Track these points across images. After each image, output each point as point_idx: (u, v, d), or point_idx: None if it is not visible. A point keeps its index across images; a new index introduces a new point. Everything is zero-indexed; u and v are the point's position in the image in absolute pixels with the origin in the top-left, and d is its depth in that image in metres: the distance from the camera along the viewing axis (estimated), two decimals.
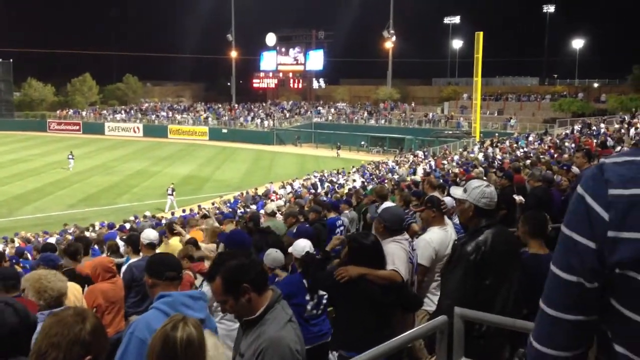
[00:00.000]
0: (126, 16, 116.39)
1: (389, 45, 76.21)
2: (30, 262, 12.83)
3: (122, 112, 74.02)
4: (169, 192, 32.08)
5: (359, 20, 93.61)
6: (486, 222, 3.92)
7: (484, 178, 13.65)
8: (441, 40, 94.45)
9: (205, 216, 14.63)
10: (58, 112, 74.08)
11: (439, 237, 5.26)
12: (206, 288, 4.74)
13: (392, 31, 74.91)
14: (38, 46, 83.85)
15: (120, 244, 9.65)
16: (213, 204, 29.11)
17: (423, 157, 41.48)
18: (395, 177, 27.60)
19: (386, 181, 25.17)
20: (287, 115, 71.05)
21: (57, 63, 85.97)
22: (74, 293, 5.26)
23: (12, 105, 74.35)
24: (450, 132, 57.29)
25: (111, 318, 5.95)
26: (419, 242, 5.29)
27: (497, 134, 47.28)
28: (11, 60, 73.49)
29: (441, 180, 14.00)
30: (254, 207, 24.93)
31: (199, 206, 27.64)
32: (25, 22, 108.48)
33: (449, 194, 6.80)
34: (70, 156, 43.23)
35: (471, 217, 3.99)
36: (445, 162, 34.33)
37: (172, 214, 27.82)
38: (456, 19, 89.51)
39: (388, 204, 5.11)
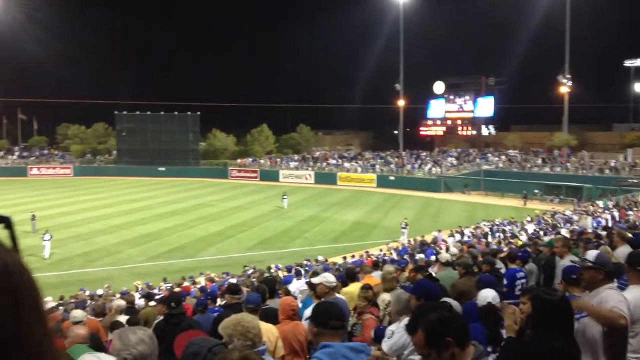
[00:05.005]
0: (300, 70, 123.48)
1: (564, 89, 72.59)
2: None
3: (296, 160, 77.84)
4: (403, 225, 35.72)
5: (531, 65, 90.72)
6: None
7: None
8: (622, 84, 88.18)
9: (376, 264, 14.75)
10: (238, 160, 79.83)
11: (637, 296, 4.82)
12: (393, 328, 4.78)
13: (567, 75, 71.37)
14: (222, 100, 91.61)
15: (301, 287, 10.05)
16: (381, 250, 29.30)
17: (603, 207, 38.49)
18: (577, 228, 25.88)
19: (565, 232, 23.67)
20: (455, 162, 70.08)
21: (238, 115, 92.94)
22: (268, 336, 5.44)
23: (198, 154, 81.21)
24: (635, 180, 52.70)
25: None
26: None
27: None
28: (199, 113, 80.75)
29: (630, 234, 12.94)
30: (421, 255, 24.67)
31: (367, 252, 27.97)
32: (211, 78, 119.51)
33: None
34: (284, 196, 49.08)
35: None
36: (631, 212, 31.56)
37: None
38: (638, 62, 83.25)
39: (594, 252, 4.79)
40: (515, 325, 4.32)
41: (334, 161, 75.06)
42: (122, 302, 11.44)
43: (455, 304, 5.09)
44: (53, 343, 0.82)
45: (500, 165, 67.23)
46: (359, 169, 70.66)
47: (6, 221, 0.87)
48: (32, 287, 0.81)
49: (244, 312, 4.86)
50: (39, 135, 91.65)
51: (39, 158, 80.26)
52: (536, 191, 54.77)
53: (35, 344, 0.79)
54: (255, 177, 73.56)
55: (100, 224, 39.69)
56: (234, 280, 19.15)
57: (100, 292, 21.07)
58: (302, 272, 16.80)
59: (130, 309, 11.73)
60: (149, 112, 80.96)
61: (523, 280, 9.28)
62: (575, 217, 34.47)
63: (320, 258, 26.66)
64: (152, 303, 14.34)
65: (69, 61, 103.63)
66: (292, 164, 75.70)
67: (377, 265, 14.32)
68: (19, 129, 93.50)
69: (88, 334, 5.64)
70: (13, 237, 0.86)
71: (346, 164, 73.03)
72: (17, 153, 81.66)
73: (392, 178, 66.33)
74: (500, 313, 4.89)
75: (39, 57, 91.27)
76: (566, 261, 8.26)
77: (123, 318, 9.50)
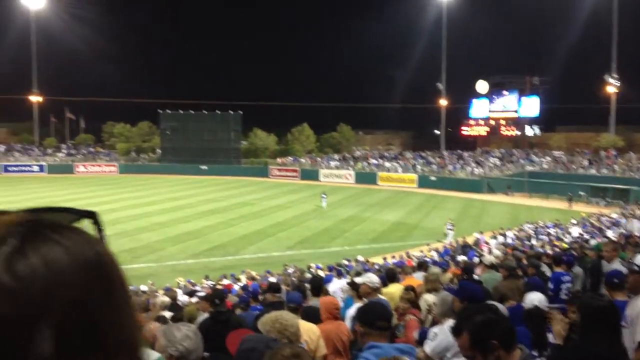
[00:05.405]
0: (341, 69, 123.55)
1: (611, 89, 70.74)
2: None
3: (336, 159, 77.82)
4: (449, 226, 35.25)
5: (576, 64, 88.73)
6: None
7: None
8: None
9: (421, 265, 14.62)
10: (279, 159, 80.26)
11: None
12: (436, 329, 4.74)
13: (615, 75, 69.55)
14: (263, 99, 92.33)
15: (343, 287, 10.05)
16: (421, 251, 29.08)
17: None
18: (623, 231, 25.23)
19: (611, 236, 23.09)
20: (499, 163, 69.02)
21: (279, 114, 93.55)
22: (309, 334, 5.36)
23: (239, 152, 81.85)
24: None
25: None
26: None
27: None
28: (240, 112, 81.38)
29: None
30: (463, 257, 24.36)
31: (407, 253, 27.81)
32: (253, 76, 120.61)
33: None
34: (324, 195, 49.10)
35: None
36: None
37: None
38: None
39: None
40: (563, 332, 4.22)
41: (374, 161, 74.74)
42: (166, 299, 11.64)
43: (501, 307, 5.01)
44: (141, 332, 0.84)
45: (545, 166, 65.95)
46: (400, 169, 70.22)
47: (93, 216, 0.88)
48: (123, 277, 0.82)
49: (283, 310, 4.86)
50: (86, 134, 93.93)
51: (86, 156, 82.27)
52: (582, 193, 53.52)
53: (128, 332, 0.79)
54: (296, 176, 73.77)
55: (144, 221, 40.37)
56: (273, 279, 19.29)
57: (144, 288, 21.44)
58: (343, 271, 16.81)
59: (174, 305, 11.92)
60: (192, 111, 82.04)
61: (569, 284, 9.09)
62: (623, 221, 33.62)
63: (360, 258, 26.58)
64: (193, 300, 14.55)
65: (114, 61, 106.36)
66: (333, 164, 75.70)
67: (420, 266, 14.19)
68: (67, 127, 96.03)
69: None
70: (100, 232, 0.88)
71: (387, 164, 72.62)
72: (64, 151, 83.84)
73: (433, 178, 65.66)
74: (547, 317, 4.80)
75: (85, 56, 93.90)
76: (614, 265, 8.06)
77: (167, 314, 9.66)
